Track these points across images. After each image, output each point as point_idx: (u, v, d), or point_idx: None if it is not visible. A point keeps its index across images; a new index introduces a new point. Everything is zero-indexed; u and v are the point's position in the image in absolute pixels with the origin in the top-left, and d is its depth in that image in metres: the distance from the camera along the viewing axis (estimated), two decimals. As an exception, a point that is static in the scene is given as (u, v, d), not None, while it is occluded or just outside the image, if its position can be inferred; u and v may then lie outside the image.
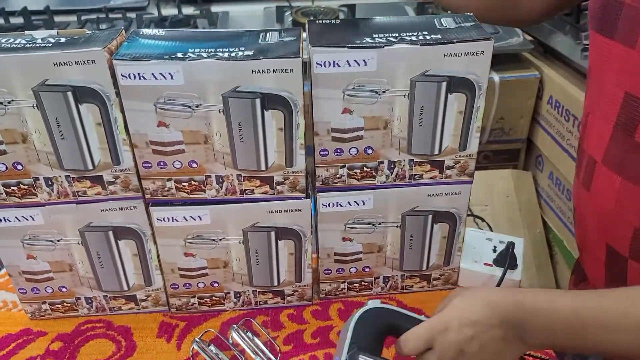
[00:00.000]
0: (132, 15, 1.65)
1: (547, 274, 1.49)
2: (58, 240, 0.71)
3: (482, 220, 1.12)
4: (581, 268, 0.73)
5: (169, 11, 1.68)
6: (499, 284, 0.75)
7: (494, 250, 0.80)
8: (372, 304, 0.56)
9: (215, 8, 1.68)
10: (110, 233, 0.71)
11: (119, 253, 0.73)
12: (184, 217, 0.70)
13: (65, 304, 0.77)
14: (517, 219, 1.49)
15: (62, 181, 0.66)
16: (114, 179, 0.67)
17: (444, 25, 0.64)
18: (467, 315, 0.49)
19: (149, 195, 0.69)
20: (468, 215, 0.75)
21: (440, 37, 0.61)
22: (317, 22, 0.66)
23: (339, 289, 0.80)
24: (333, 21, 0.69)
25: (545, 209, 1.53)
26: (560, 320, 0.48)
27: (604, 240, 0.61)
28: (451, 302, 0.52)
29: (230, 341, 0.72)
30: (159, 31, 0.66)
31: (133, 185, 0.68)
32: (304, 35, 0.65)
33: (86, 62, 0.59)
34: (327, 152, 0.67)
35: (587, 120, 0.63)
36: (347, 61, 0.60)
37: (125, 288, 0.76)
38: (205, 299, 0.78)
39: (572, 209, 0.70)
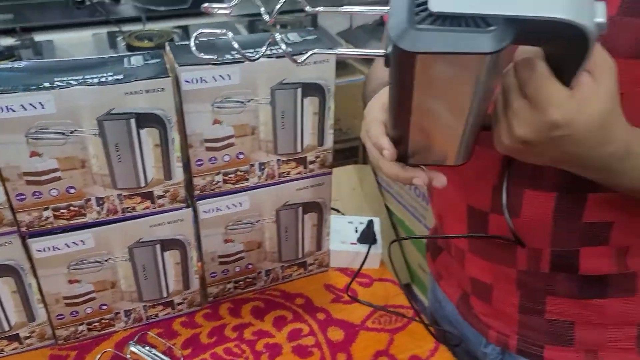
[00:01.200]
0: (-60, 51, 1.51)
1: (397, 252, 1.69)
2: None
3: (338, 211, 1.24)
4: (435, 244, 0.85)
5: (-16, 44, 1.56)
6: (364, 260, 0.87)
7: (356, 231, 0.92)
8: (586, 17, 0.37)
9: (37, 37, 1.61)
10: (-16, 274, 0.69)
11: (-4, 294, 0.70)
12: (66, 244, 0.70)
13: None
14: (365, 208, 1.67)
15: None
16: (-14, 215, 0.65)
17: (291, 39, 0.74)
18: (579, 142, 0.45)
19: (25, 228, 0.68)
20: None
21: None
22: (177, 44, 0.72)
23: (226, 290, 0.85)
24: (187, 43, 0.75)
25: (387, 196, 1.72)
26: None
27: (466, 202, 0.69)
28: (599, 87, 0.43)
29: (129, 357, 0.74)
30: (16, 64, 0.66)
31: (7, 220, 0.67)
32: (169, 56, 0.70)
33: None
34: (202, 162, 0.73)
35: None
36: (213, 76, 0.67)
37: (7, 328, 0.73)
38: (95, 324, 0.78)
39: (409, 192, 0.81)
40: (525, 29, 0.38)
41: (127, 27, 1.66)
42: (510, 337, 0.73)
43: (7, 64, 0.66)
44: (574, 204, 0.61)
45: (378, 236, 0.91)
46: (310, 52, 0.48)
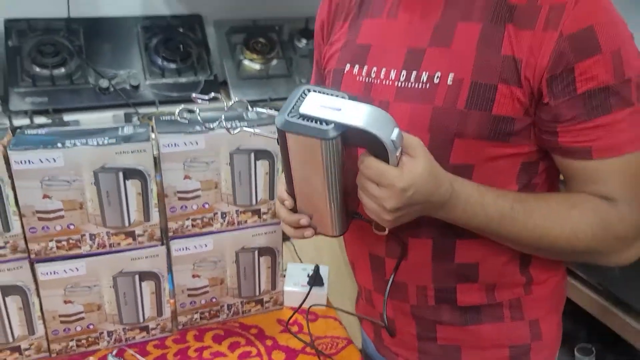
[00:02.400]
0: (-16, 127, 1.78)
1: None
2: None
3: (299, 258, 1.41)
4: (358, 291, 0.99)
5: (21, 121, 1.83)
6: (305, 298, 1.02)
7: (308, 275, 1.09)
8: (386, 134, 0.62)
9: (66, 117, 1.88)
10: (-1, 291, 0.88)
11: (7, 309, 0.89)
12: (64, 269, 0.89)
13: (-48, 363, 0.89)
14: (322, 247, 1.82)
15: (-42, 250, 0.83)
16: (4, 244, 0.85)
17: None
18: (423, 190, 0.65)
19: (34, 255, 0.88)
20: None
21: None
22: (161, 117, 0.94)
23: (193, 319, 1.02)
24: (176, 118, 0.97)
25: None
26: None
27: (367, 251, 0.87)
28: (416, 165, 0.64)
29: (108, 367, 0.90)
30: (40, 130, 0.89)
31: (21, 248, 0.86)
32: (153, 128, 0.92)
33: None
34: (175, 209, 0.93)
35: None
36: (184, 142, 0.89)
37: (11, 340, 0.91)
38: (82, 341, 0.95)
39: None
40: (351, 133, 0.63)
41: (143, 109, 1.93)
42: None
43: (34, 130, 0.89)
44: (446, 248, 0.79)
45: (325, 280, 1.08)
46: (238, 129, 0.72)
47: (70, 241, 0.89)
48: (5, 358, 0.92)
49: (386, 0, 0.81)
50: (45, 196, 0.84)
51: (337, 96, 0.65)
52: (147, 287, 0.95)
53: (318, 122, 0.62)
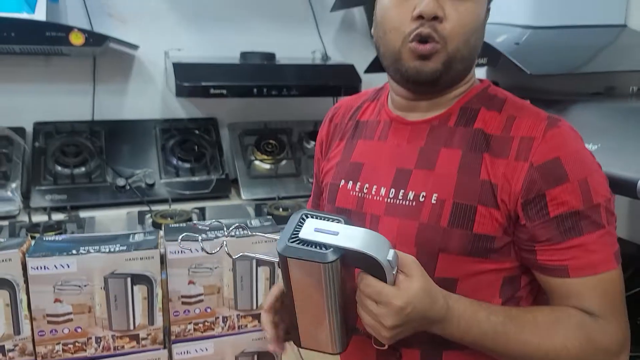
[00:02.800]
0: (4, 222, 1.86)
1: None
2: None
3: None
4: None
5: (40, 218, 1.91)
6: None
7: (307, 380, 1.10)
8: (382, 255, 0.66)
9: (83, 214, 1.96)
10: (4, 393, 0.90)
11: (9, 411, 0.91)
12: (68, 373, 0.92)
13: None
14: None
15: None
16: (13, 347, 0.89)
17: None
18: (420, 308, 0.68)
19: (40, 358, 0.91)
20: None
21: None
22: (170, 225, 1.00)
23: None
24: (184, 225, 1.04)
25: None
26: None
27: None
28: (412, 284, 0.68)
29: None
30: (57, 237, 0.95)
31: (28, 351, 0.90)
32: (161, 233, 0.98)
33: (4, 260, 0.86)
34: (178, 313, 0.96)
35: None
36: (190, 249, 0.94)
37: None
38: None
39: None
40: (349, 255, 0.67)
41: (156, 207, 2.01)
42: None
43: (51, 237, 0.96)
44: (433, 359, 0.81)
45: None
46: (219, 247, 0.77)
47: (77, 344, 0.92)
48: None
49: (377, 125, 0.90)
50: (56, 300, 0.89)
51: (333, 220, 0.70)
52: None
53: (317, 247, 0.67)
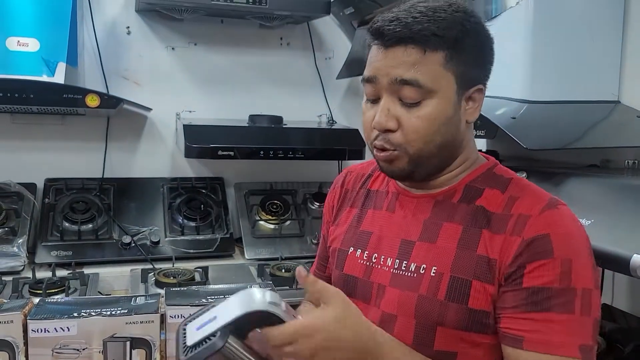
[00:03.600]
0: (8, 278, 1.87)
1: None
2: None
3: None
4: None
5: (44, 274, 1.92)
6: None
7: None
8: (259, 304, 0.70)
9: (87, 270, 1.97)
10: None
11: None
12: None
13: None
14: None
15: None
16: (8, 410, 0.89)
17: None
18: (334, 335, 0.70)
19: (35, 422, 0.90)
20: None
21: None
22: (171, 289, 1.02)
23: None
24: (185, 289, 1.05)
25: None
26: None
27: None
28: (325, 312, 0.71)
29: None
30: (60, 298, 0.97)
31: (23, 414, 0.90)
32: (163, 297, 1.00)
33: (6, 322, 0.87)
34: (175, 378, 0.96)
35: None
36: (189, 313, 0.95)
37: None
38: None
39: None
40: (237, 326, 0.69)
41: (160, 265, 2.02)
42: None
43: (54, 299, 0.97)
44: None
45: None
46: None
47: (73, 410, 0.92)
48: None
49: (386, 196, 0.94)
50: None
51: (207, 311, 0.73)
52: None
53: (207, 341, 0.69)
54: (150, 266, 1.99)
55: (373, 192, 0.97)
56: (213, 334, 0.68)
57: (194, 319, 0.73)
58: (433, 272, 0.81)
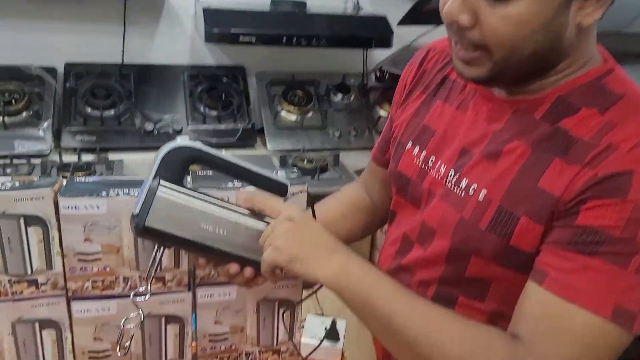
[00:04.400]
0: (36, 161, 1.91)
1: None
2: (-7, 332, 0.93)
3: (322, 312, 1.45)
4: None
5: (70, 158, 1.96)
6: (313, 350, 1.06)
7: (325, 329, 1.13)
8: (180, 141, 0.74)
9: (111, 156, 2.00)
10: (37, 324, 0.94)
11: (42, 341, 0.96)
12: (96, 308, 0.96)
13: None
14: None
15: (4, 283, 0.91)
16: (46, 281, 0.93)
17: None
18: (303, 221, 0.74)
19: (71, 293, 0.95)
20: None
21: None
22: (197, 173, 1.02)
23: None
24: (210, 173, 1.04)
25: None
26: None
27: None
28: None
29: None
30: (88, 179, 0.97)
31: (60, 285, 0.94)
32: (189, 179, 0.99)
33: (37, 198, 0.88)
34: (203, 258, 0.99)
35: (383, 245, 0.96)
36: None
37: None
38: (107, 377, 1.01)
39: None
40: (163, 176, 0.76)
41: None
42: None
43: (82, 178, 0.98)
44: None
45: (341, 334, 1.11)
46: None
47: (105, 282, 0.95)
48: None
49: (462, 90, 0.82)
50: (86, 239, 0.92)
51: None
52: (172, 330, 1.01)
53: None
54: (173, 153, 2.01)
55: (449, 81, 0.85)
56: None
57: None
58: (482, 197, 0.71)
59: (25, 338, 0.95)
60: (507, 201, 0.69)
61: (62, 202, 0.89)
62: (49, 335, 0.96)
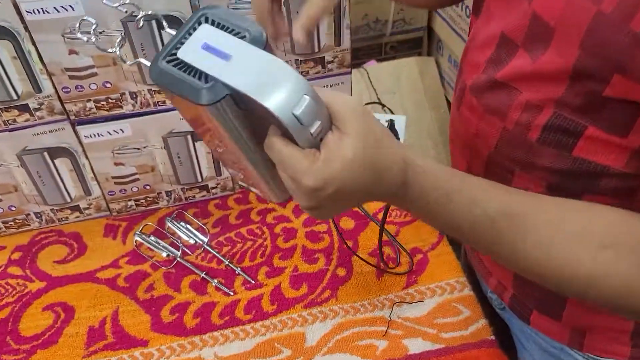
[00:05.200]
0: None
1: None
2: (-1, 166, 0.81)
3: (384, 106, 1.27)
4: None
5: None
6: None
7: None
8: (282, 107, 0.40)
9: None
10: (46, 154, 0.81)
11: (57, 170, 0.83)
12: (108, 131, 0.80)
13: (17, 221, 0.88)
14: (423, 102, 1.66)
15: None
16: (39, 106, 0.76)
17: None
18: (349, 183, 0.43)
19: (74, 116, 0.78)
20: (375, 103, 0.88)
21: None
22: None
23: (256, 178, 0.94)
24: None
25: (448, 90, 1.69)
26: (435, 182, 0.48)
27: (465, 160, 0.65)
28: (341, 147, 0.42)
29: (167, 230, 0.86)
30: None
31: (57, 109, 0.77)
32: None
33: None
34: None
35: (467, 47, 0.65)
36: None
37: (68, 200, 0.87)
38: (141, 200, 0.90)
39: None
40: (240, 98, 0.41)
41: None
42: (507, 289, 0.70)
43: None
44: None
45: (401, 134, 0.93)
46: None
47: (110, 100, 0.78)
48: (67, 216, 0.90)
49: None
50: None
51: (237, 32, 0.42)
52: (202, 147, 0.86)
53: (197, 76, 0.41)
54: None
55: None
56: (209, 78, 0.41)
57: (218, 22, 0.43)
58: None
59: (38, 169, 0.83)
60: (562, 106, 0.48)
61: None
62: (63, 164, 0.83)
